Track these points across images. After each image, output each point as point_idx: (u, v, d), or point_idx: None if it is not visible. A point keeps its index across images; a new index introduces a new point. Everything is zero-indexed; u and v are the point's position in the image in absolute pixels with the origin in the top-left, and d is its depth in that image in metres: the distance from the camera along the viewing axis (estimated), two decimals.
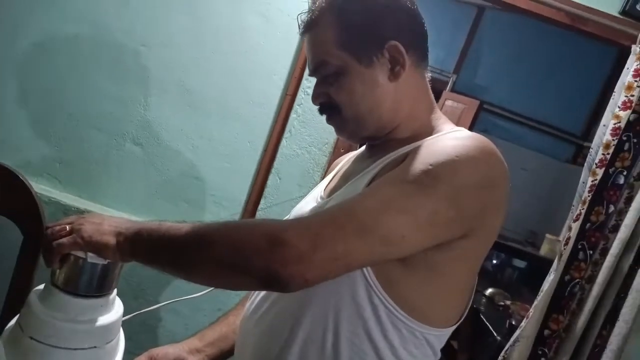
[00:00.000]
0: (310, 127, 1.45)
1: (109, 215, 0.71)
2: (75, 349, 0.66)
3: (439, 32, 4.36)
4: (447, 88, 4.41)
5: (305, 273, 0.58)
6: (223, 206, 1.49)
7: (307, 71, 0.81)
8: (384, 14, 0.75)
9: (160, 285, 1.51)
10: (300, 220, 0.64)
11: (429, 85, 0.82)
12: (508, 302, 2.45)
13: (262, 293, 0.78)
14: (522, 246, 3.89)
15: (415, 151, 0.68)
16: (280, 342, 0.71)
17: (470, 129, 4.10)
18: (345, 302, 0.68)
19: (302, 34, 0.78)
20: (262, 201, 1.48)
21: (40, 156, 1.47)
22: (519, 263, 3.67)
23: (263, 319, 0.75)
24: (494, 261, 3.32)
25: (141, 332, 1.51)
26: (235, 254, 0.60)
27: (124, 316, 0.99)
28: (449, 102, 4.33)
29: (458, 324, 0.75)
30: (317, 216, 0.64)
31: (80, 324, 0.67)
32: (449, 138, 0.70)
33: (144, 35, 1.44)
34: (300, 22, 0.77)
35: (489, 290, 2.56)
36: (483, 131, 4.44)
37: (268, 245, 0.58)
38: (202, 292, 1.08)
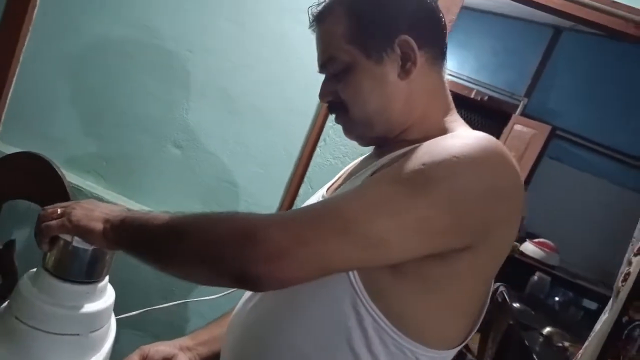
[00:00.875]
0: (345, 137, 1.40)
1: (106, 203, 0.71)
2: (56, 334, 0.66)
3: (509, 54, 4.18)
4: (517, 112, 4.19)
5: (276, 272, 0.53)
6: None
7: None
8: (396, 7, 0.71)
9: (190, 287, 1.51)
10: (279, 215, 0.60)
11: (446, 85, 0.77)
12: (567, 344, 2.22)
13: (249, 293, 0.74)
14: (595, 286, 3.55)
15: (413, 150, 0.62)
16: (259, 345, 0.67)
17: (541, 156, 3.88)
18: (327, 308, 0.62)
19: (312, 27, 0.75)
20: None
21: (88, 153, 1.55)
22: (590, 304, 3.36)
23: (245, 320, 0.71)
24: (557, 298, 3.05)
25: (169, 332, 1.52)
26: (207, 248, 0.57)
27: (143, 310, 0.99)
28: (517, 127, 4.10)
29: (459, 348, 0.67)
30: (296, 212, 0.60)
31: (63, 308, 0.66)
32: (452, 137, 0.63)
33: (191, 41, 1.48)
34: (310, 14, 0.74)
35: (547, 329, 2.35)
36: (555, 159, 4.16)
37: (240, 240, 0.54)
38: (222, 293, 1.07)
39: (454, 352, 0.67)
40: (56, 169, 1.12)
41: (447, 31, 0.77)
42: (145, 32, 1.49)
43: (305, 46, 1.44)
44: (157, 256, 0.62)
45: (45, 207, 0.69)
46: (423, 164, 0.58)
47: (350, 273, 0.61)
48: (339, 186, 0.78)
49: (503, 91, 4.20)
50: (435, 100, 0.74)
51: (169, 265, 0.62)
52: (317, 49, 0.75)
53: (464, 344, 0.68)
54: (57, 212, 0.67)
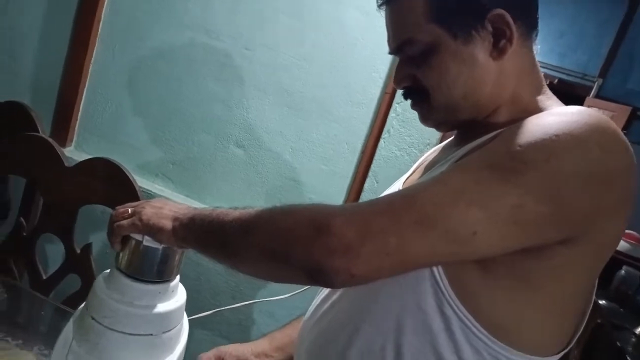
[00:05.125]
0: (411, 127, 1.34)
1: (174, 202, 0.70)
2: (129, 334, 0.65)
3: (581, 33, 3.91)
4: (591, 94, 3.91)
5: (350, 267, 0.49)
6: None
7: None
8: None
9: (258, 286, 1.51)
10: (353, 206, 0.56)
11: (537, 61, 0.68)
12: None
13: (324, 293, 0.70)
14: None
15: (504, 132, 0.56)
16: (336, 350, 0.62)
17: None
18: (410, 309, 0.57)
19: (382, 5, 0.68)
20: None
21: (156, 158, 1.58)
22: None
23: (319, 323, 0.67)
24: None
25: (238, 332, 1.53)
26: (278, 241, 0.53)
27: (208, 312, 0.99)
28: None
29: (561, 355, 0.59)
30: (373, 203, 0.55)
31: (136, 308, 0.66)
32: (549, 114, 0.56)
33: (249, 39, 1.47)
34: None
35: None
36: (637, 143, 3.82)
37: (312, 233, 0.51)
38: (292, 293, 1.04)
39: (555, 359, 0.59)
40: (127, 174, 1.14)
41: None
42: (203, 34, 1.49)
43: (365, 35, 1.39)
44: (225, 253, 0.59)
45: (117, 207, 0.69)
46: (518, 145, 0.51)
47: (435, 269, 0.56)
48: (418, 178, 0.72)
49: (573, 73, 3.93)
50: (527, 78, 0.66)
51: (238, 262, 0.59)
52: (390, 29, 0.68)
53: (565, 351, 0.60)
54: (127, 211, 0.67)
